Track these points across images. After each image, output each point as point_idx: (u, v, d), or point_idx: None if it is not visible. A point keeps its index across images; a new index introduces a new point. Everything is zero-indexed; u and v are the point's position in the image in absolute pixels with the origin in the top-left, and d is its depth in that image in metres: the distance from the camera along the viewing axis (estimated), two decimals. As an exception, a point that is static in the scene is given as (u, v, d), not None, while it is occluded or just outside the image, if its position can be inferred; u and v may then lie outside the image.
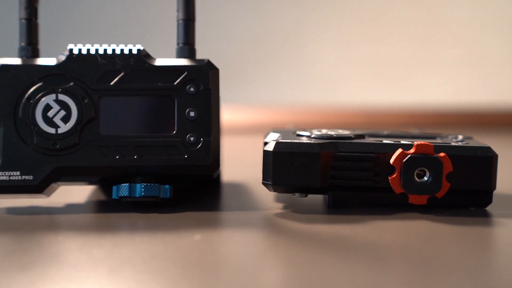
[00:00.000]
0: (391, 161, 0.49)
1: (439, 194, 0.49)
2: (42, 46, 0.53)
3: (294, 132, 0.53)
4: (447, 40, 1.52)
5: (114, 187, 0.50)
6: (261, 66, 1.51)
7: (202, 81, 0.50)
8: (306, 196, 0.51)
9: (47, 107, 0.49)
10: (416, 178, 0.49)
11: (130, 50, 0.50)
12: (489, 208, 0.52)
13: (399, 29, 1.52)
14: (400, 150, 0.49)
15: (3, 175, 0.49)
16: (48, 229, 0.46)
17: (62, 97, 0.50)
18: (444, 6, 1.51)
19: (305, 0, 1.52)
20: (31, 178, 0.49)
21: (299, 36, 1.52)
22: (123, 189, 0.49)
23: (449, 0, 1.52)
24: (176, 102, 0.50)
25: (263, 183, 0.50)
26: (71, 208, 0.52)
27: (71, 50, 0.50)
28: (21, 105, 0.49)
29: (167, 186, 0.50)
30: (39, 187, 0.49)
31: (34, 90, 0.50)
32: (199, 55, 0.52)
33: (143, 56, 0.51)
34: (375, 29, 1.52)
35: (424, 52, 1.52)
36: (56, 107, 0.50)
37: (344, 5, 1.52)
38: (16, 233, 0.44)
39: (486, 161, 0.49)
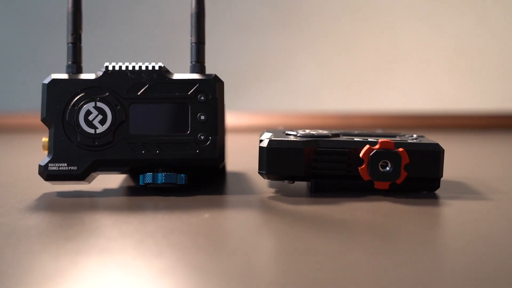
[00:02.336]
0: (360, 154, 0.49)
1: (399, 181, 0.49)
2: (84, 64, 0.52)
3: (284, 132, 0.53)
4: (402, 61, 1.52)
5: (141, 176, 0.49)
6: (258, 80, 1.51)
7: (210, 91, 0.50)
8: (293, 182, 0.50)
9: (88, 112, 0.49)
10: (380, 168, 0.49)
11: (153, 67, 0.50)
12: (437, 192, 0.51)
13: (367, 52, 1.52)
14: (367, 146, 0.49)
15: (54, 166, 0.49)
16: (88, 208, 0.45)
17: (99, 104, 0.49)
18: (401, 39, 1.51)
19: (292, 29, 1.52)
20: (76, 168, 0.49)
21: (287, 57, 1.52)
22: (148, 177, 0.49)
23: (404, 34, 1.52)
24: (189, 108, 0.50)
25: (259, 172, 0.50)
26: (106, 192, 0.52)
27: (106, 67, 0.50)
28: (68, 110, 0.49)
29: (182, 175, 0.50)
30: (82, 175, 0.49)
31: (78, 99, 0.49)
32: (208, 71, 0.52)
33: (164, 72, 0.50)
34: (348, 52, 1.52)
35: (386, 71, 1.52)
36: (95, 112, 0.49)
37: (323, 33, 1.52)
38: (63, 212, 0.44)
39: (435, 154, 0.49)
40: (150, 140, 0.49)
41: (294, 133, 0.51)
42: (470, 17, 1.52)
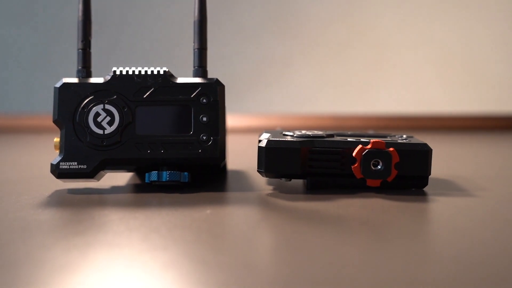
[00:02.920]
0: (353, 154, 0.49)
1: (389, 179, 0.49)
2: (93, 68, 0.52)
3: (281, 132, 0.53)
4: (393, 66, 1.52)
5: (146, 174, 0.49)
6: (257, 84, 1.51)
7: (212, 94, 0.50)
8: (290, 180, 0.50)
9: (97, 114, 0.49)
10: (372, 167, 0.49)
11: (158, 71, 0.50)
12: (426, 189, 0.51)
13: (359, 58, 1.52)
14: (360, 146, 0.49)
15: (65, 165, 0.49)
16: (97, 204, 0.45)
17: (108, 106, 0.49)
18: (391, 45, 1.52)
19: (289, 36, 1.52)
20: (85, 167, 0.49)
21: (285, 63, 1.52)
22: (153, 175, 0.49)
23: (394, 40, 1.52)
24: (192, 110, 0.50)
25: (257, 170, 0.49)
26: (114, 189, 0.52)
27: (114, 71, 0.50)
28: (78, 112, 0.49)
29: (186, 173, 0.50)
30: (91, 173, 0.49)
31: (87, 101, 0.49)
32: (210, 75, 0.51)
33: (168, 76, 0.50)
34: (342, 57, 1.52)
35: (377, 75, 1.52)
36: (103, 114, 0.49)
37: (318, 40, 1.52)
38: (73, 208, 0.44)
39: (424, 154, 0.49)
40: (155, 140, 0.49)
41: (291, 133, 0.51)
42: (456, 24, 1.52)
